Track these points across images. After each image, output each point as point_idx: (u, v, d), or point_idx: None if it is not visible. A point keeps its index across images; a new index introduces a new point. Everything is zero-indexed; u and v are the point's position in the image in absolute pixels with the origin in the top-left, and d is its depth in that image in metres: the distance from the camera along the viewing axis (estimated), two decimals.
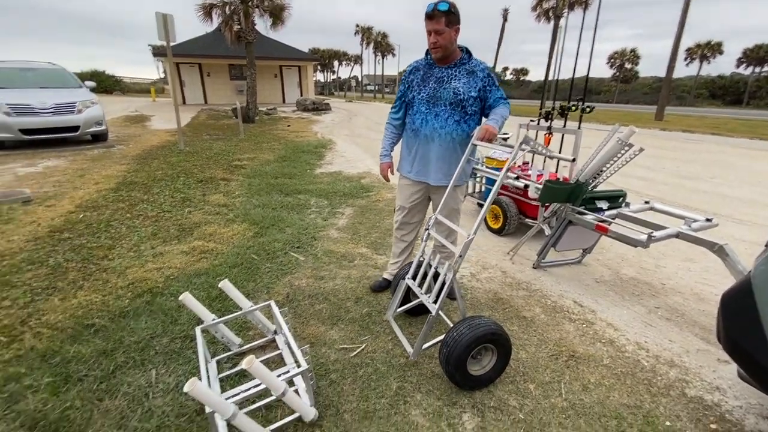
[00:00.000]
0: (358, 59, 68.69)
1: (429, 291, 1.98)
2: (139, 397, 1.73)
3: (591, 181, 2.65)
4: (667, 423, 1.67)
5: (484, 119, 2.22)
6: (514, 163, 4.26)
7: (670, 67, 20.00)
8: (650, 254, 3.42)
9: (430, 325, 1.85)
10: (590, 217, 2.56)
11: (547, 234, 3.04)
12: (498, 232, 3.72)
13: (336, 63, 71.50)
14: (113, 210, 3.99)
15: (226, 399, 1.39)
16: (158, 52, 22.90)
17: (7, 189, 4.50)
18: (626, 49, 58.89)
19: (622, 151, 2.34)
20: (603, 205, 2.69)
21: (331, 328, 2.27)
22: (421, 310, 2.33)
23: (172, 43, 7.17)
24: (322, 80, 76.25)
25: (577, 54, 4.05)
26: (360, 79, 62.47)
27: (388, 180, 2.47)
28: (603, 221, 2.51)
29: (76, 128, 7.26)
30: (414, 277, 2.09)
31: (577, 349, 2.12)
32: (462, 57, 2.13)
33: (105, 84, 31.99)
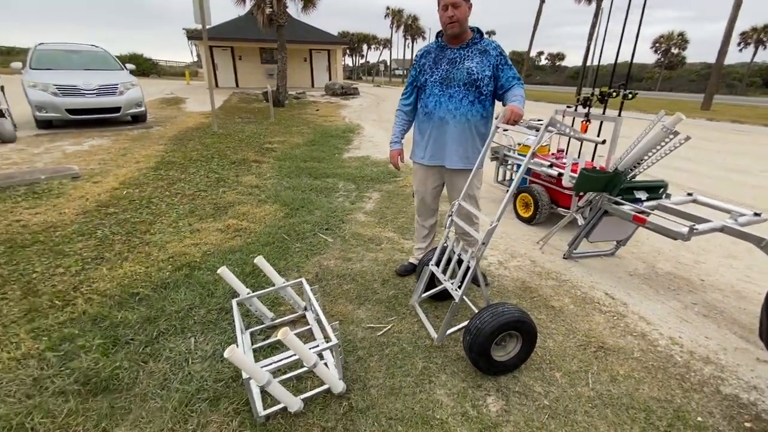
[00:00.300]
0: (387, 43, 67.74)
1: (453, 277, 1.98)
2: (179, 361, 1.85)
3: (630, 170, 2.55)
4: (699, 419, 1.64)
5: (497, 102, 2.18)
6: (545, 146, 4.16)
7: (722, 52, 18.61)
8: (689, 249, 3.28)
9: (454, 311, 1.87)
10: (627, 207, 2.47)
11: (580, 224, 2.97)
12: (528, 221, 3.65)
13: (365, 47, 70.83)
14: (153, 188, 4.20)
15: (260, 368, 1.46)
16: (192, 35, 23.38)
17: (58, 165, 4.80)
18: (673, 32, 55.11)
19: (667, 140, 2.23)
20: (642, 195, 2.59)
21: (359, 308, 2.33)
22: (447, 295, 2.35)
23: (207, 26, 7.31)
24: (351, 65, 75.84)
25: (622, 37, 3.85)
26: (389, 64, 61.65)
27: (398, 168, 2.45)
28: (641, 212, 2.42)
29: (117, 109, 7.59)
30: (438, 263, 2.10)
31: (606, 341, 2.08)
32: (474, 37, 2.09)
33: (143, 67, 33.11)
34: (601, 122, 3.71)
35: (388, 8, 53.48)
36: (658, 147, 2.32)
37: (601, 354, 1.99)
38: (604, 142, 1.83)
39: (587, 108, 3.59)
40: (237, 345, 1.72)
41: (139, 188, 4.15)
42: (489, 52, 2.07)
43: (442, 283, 2.17)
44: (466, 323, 1.86)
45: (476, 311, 1.87)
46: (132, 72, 8.59)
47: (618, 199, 2.54)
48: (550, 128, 1.77)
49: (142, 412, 1.58)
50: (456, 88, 2.10)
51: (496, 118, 1.98)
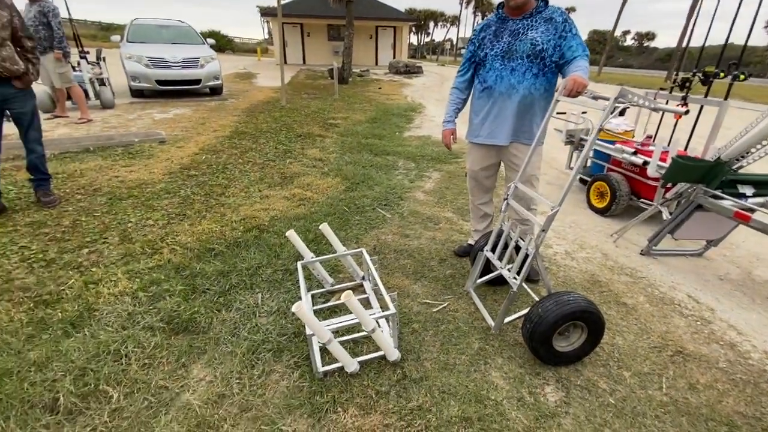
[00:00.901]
0: (455, 20, 65.11)
1: (510, 263, 1.90)
2: (248, 313, 2.00)
3: (735, 161, 2.24)
4: None
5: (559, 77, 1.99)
6: (629, 131, 3.77)
7: None
8: None
9: (512, 299, 1.80)
10: (728, 202, 2.18)
11: (665, 218, 2.68)
12: (602, 212, 3.38)
13: (431, 24, 68.70)
14: (228, 155, 4.49)
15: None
16: (266, 12, 24.20)
17: (148, 130, 5.31)
18: None
19: None
20: (747, 190, 2.27)
21: (415, 283, 2.33)
22: (504, 280, 2.26)
23: (281, 2, 7.50)
24: (415, 43, 74.21)
25: (737, 14, 3.33)
26: (455, 42, 59.39)
27: (449, 148, 2.38)
28: (745, 209, 2.12)
29: (198, 81, 8.16)
30: (493, 249, 2.02)
31: (686, 346, 1.90)
32: (538, 5, 1.93)
33: (220, 43, 35.01)
34: (701, 107, 3.29)
35: None
36: None
37: (678, 359, 1.82)
38: (687, 112, 1.58)
39: (685, 91, 3.19)
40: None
41: (216, 155, 4.47)
42: (554, 19, 1.90)
43: (497, 269, 2.09)
44: (525, 311, 1.78)
45: (537, 299, 1.78)
46: (212, 47, 9.13)
47: (717, 192, 2.24)
48: (620, 100, 1.55)
49: (215, 354, 1.74)
50: (518, 60, 1.97)
51: (556, 90, 1.80)
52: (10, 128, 2.95)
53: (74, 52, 6.04)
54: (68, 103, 6.03)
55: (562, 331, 1.71)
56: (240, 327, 1.90)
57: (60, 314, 1.89)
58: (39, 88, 3.87)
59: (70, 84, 5.58)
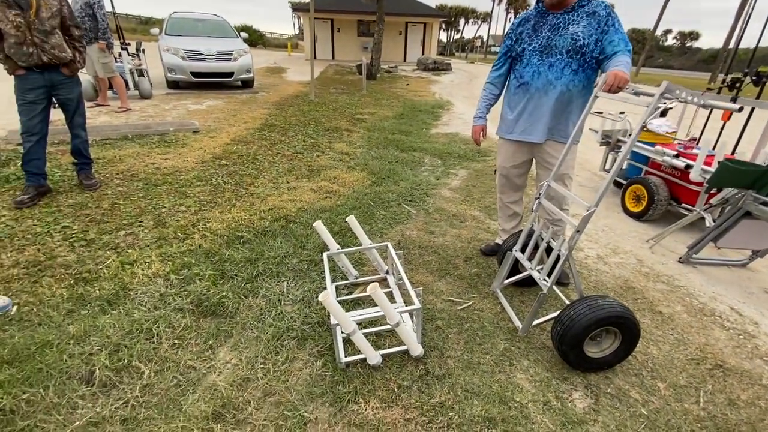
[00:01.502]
0: (486, 17, 63.91)
1: (540, 264, 1.84)
2: (274, 301, 2.03)
3: None
4: None
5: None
6: (672, 132, 3.59)
7: None
8: None
9: (541, 302, 1.74)
10: None
11: (707, 225, 2.54)
12: (638, 216, 3.24)
13: (462, 21, 67.72)
14: (258, 146, 4.58)
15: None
16: (297, 7, 24.50)
17: (183, 120, 5.48)
18: None
19: None
20: None
21: (439, 280, 2.31)
22: (532, 281, 2.20)
23: None
24: (445, 40, 73.36)
25: None
26: (485, 39, 58.27)
27: (479, 144, 2.36)
28: None
29: (231, 74, 8.35)
30: (523, 249, 1.96)
31: (727, 360, 1.79)
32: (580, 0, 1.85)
33: (252, 38, 35.74)
34: (752, 110, 3.09)
35: None
36: None
37: (718, 373, 1.72)
38: (741, 109, 1.48)
39: (736, 91, 3.01)
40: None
41: (246, 145, 4.56)
42: (598, 13, 1.83)
43: (526, 270, 2.03)
44: (555, 314, 1.73)
45: (568, 302, 1.72)
46: (244, 41, 9.32)
47: None
48: (666, 95, 1.46)
49: (241, 338, 1.77)
50: (558, 56, 1.91)
51: (595, 86, 1.72)
52: (56, 114, 3.10)
53: (116, 44, 6.30)
54: (109, 93, 6.30)
55: (594, 336, 1.65)
56: (266, 313, 1.93)
57: (98, 292, 1.98)
58: (83, 77, 4.05)
59: (113, 74, 5.82)
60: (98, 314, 1.83)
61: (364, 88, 10.20)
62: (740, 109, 1.44)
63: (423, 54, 23.42)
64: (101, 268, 2.17)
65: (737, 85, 3.00)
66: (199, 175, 3.58)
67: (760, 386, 1.67)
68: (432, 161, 4.61)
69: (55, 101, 2.95)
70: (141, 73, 7.15)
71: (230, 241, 2.53)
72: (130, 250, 2.35)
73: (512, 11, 51.83)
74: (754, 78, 2.88)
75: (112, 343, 1.66)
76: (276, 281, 2.19)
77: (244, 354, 1.68)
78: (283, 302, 2.02)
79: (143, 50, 7.29)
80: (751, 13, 4.02)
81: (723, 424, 1.49)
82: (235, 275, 2.20)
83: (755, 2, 3.96)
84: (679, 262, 2.63)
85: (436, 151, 4.99)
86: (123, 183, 3.30)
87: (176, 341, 1.72)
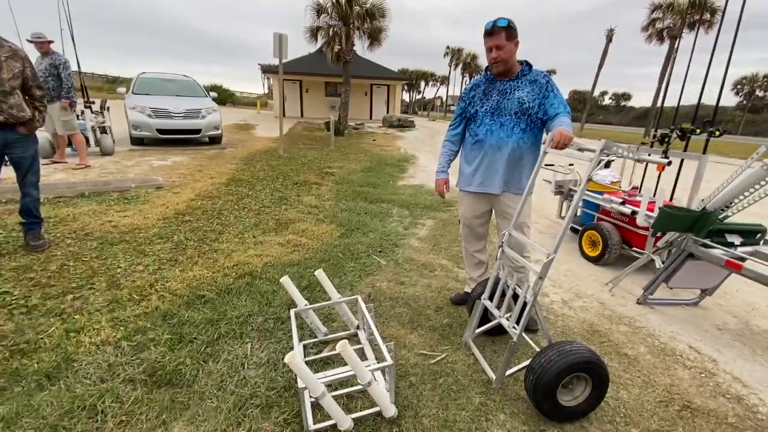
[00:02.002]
0: (444, 80, 69.37)
1: (508, 311, 1.87)
2: (236, 365, 1.90)
3: (720, 211, 2.31)
4: None
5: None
6: (616, 181, 3.90)
7: None
8: None
9: (513, 350, 1.74)
10: (719, 251, 2.22)
11: (658, 267, 2.70)
12: (595, 260, 3.40)
13: (422, 83, 73.03)
14: (224, 201, 4.52)
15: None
16: (266, 69, 25.63)
17: (146, 176, 5.36)
18: (757, 74, 50.91)
19: (767, 179, 2.01)
20: (735, 239, 2.32)
21: (411, 332, 2.26)
22: (503, 329, 2.21)
23: (282, 61, 7.99)
24: (408, 99, 78.37)
25: (706, 77, 3.61)
26: (444, 99, 62.92)
27: (443, 196, 2.48)
28: (736, 257, 2.16)
29: (198, 131, 8.42)
30: (491, 297, 2.00)
31: (693, 400, 1.83)
32: (522, 69, 2.12)
33: (221, 96, 36.58)
34: (682, 161, 3.45)
35: (448, 47, 55.10)
36: (756, 187, 2.09)
37: (687, 414, 1.74)
38: (670, 163, 1.66)
39: (665, 145, 3.37)
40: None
41: (212, 201, 4.49)
42: (538, 81, 2.08)
43: (495, 318, 2.05)
44: (527, 362, 1.73)
45: (537, 350, 1.73)
46: (213, 99, 9.53)
47: (706, 241, 2.29)
48: (605, 151, 1.62)
49: (199, 410, 1.62)
50: (507, 116, 2.12)
51: (543, 143, 1.89)
52: (6, 172, 2.96)
53: (80, 101, 6.25)
54: (68, 150, 6.13)
55: (566, 384, 1.64)
56: (227, 380, 1.80)
57: (36, 365, 1.78)
58: (41, 134, 3.94)
59: (74, 131, 5.71)
60: (34, 391, 1.63)
61: (332, 144, 10.52)
62: (669, 163, 1.62)
63: (388, 112, 24.79)
64: (42, 338, 1.97)
65: (666, 139, 3.36)
66: (160, 232, 3.44)
67: (727, 425, 1.70)
68: (400, 212, 4.71)
69: (7, 159, 2.83)
70: (104, 130, 7.06)
71: (191, 302, 2.39)
72: (77, 316, 2.17)
73: (467, 75, 56.70)
74: (678, 134, 3.25)
75: (48, 425, 1.47)
76: (239, 343, 2.06)
77: (202, 428, 1.54)
78: (246, 366, 1.90)
79: (108, 108, 7.27)
80: (669, 80, 4.64)
81: None
82: (195, 338, 2.06)
83: (671, 69, 4.59)
84: (637, 303, 2.75)
85: (404, 202, 5.12)
86: (75, 243, 3.11)
87: (124, 418, 1.55)
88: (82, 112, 6.69)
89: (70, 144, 5.93)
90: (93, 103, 6.97)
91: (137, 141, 8.16)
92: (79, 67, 6.99)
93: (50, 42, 5.31)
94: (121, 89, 8.99)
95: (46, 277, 2.55)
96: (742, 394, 1.90)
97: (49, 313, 2.18)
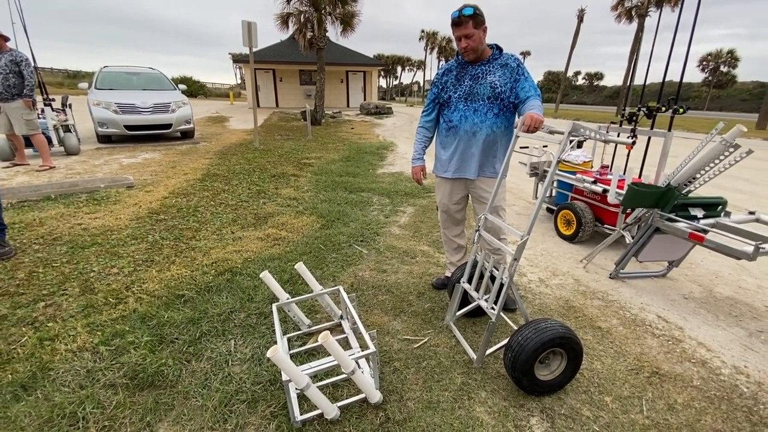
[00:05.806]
0: (421, 64, 68.95)
1: (486, 293, 1.92)
2: (220, 362, 1.89)
3: (684, 186, 2.41)
4: None
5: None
6: (588, 161, 4.01)
7: None
8: (751, 273, 3.02)
9: (491, 331, 1.79)
10: (683, 224, 2.33)
11: (628, 242, 2.82)
12: (570, 239, 3.52)
13: (399, 68, 72.42)
14: (200, 197, 4.42)
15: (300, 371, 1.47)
16: (238, 59, 24.84)
17: (115, 175, 5.17)
18: (722, 50, 52.65)
19: (726, 153, 2.10)
20: (698, 213, 2.44)
21: (394, 319, 2.30)
22: (482, 311, 2.27)
23: (253, 50, 7.76)
24: (385, 86, 77.59)
25: (670, 55, 3.71)
26: (422, 84, 62.69)
27: (421, 183, 2.49)
28: (698, 230, 2.27)
29: (169, 125, 8.13)
30: (469, 280, 2.05)
31: (661, 366, 1.93)
32: (493, 53, 2.13)
33: (192, 88, 35.31)
34: (649, 138, 3.56)
35: (422, 31, 54.71)
36: (716, 161, 2.19)
37: (655, 380, 1.85)
38: (634, 143, 1.73)
39: (633, 124, 3.46)
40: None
41: (187, 198, 4.38)
42: (509, 65, 2.10)
43: (475, 300, 2.10)
44: (506, 341, 1.79)
45: (516, 328, 1.79)
46: (183, 92, 9.20)
47: (671, 215, 2.40)
48: (573, 133, 1.67)
49: (184, 410, 1.62)
50: (480, 102, 2.13)
51: (515, 127, 1.92)
52: None
53: (39, 99, 5.93)
54: (30, 151, 5.84)
55: (543, 359, 1.71)
56: (211, 378, 1.79)
57: (10, 376, 1.73)
58: None
59: (36, 131, 5.43)
60: (10, 403, 1.59)
61: (309, 134, 10.37)
62: (634, 143, 1.67)
63: (365, 99, 24.51)
64: (15, 348, 1.91)
65: (634, 118, 3.46)
66: (134, 232, 3.35)
67: (693, 388, 1.82)
68: (380, 200, 4.72)
69: None
70: (67, 129, 6.75)
71: (169, 302, 2.35)
72: (50, 324, 2.10)
73: (443, 59, 56.52)
74: (645, 112, 3.35)
75: None
76: (222, 340, 2.05)
77: (188, 427, 1.53)
78: (230, 363, 1.89)
79: (70, 105, 6.93)
80: (637, 57, 4.75)
81: (666, 429, 1.58)
82: (176, 339, 2.04)
83: (639, 48, 4.69)
84: (610, 277, 2.86)
85: (384, 190, 5.12)
86: (43, 248, 3.00)
87: (107, 423, 1.53)
88: (42, 111, 6.36)
89: (30, 145, 5.64)
90: (53, 100, 6.62)
91: (104, 138, 7.84)
92: (35, 62, 6.60)
93: (7, 39, 5.01)
94: (83, 84, 8.57)
95: (14, 286, 2.46)
96: (706, 358, 2.02)
97: (21, 323, 2.11)
